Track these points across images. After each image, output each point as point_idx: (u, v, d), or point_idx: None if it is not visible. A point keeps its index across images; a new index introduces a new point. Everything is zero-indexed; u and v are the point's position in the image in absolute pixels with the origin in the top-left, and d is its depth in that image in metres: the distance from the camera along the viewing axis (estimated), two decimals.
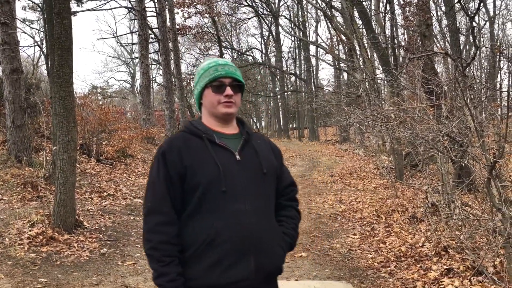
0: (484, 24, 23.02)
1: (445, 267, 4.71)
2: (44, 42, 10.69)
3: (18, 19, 10.21)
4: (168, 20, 21.74)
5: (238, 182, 1.85)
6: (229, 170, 1.85)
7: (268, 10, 35.22)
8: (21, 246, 5.74)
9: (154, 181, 1.85)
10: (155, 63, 32.59)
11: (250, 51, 41.43)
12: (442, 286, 4.28)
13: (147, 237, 1.84)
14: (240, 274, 1.81)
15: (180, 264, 1.81)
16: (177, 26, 24.33)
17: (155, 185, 1.85)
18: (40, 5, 14.66)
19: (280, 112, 41.61)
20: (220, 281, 1.79)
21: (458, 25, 15.97)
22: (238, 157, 1.89)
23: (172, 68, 21.59)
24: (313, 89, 34.60)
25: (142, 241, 1.88)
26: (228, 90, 1.89)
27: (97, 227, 7.09)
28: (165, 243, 1.80)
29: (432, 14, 16.30)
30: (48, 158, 8.98)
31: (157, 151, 1.89)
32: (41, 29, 11.06)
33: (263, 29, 40.61)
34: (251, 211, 1.85)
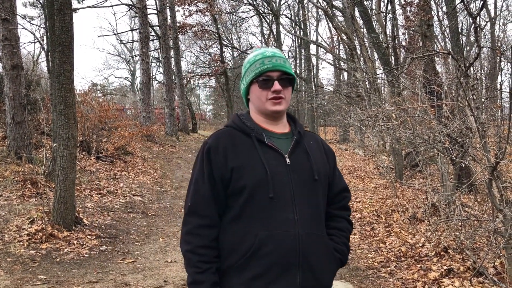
0: (485, 25, 23.01)
1: (445, 267, 4.70)
2: (44, 38, 10.65)
3: (18, 15, 10.18)
4: (169, 17, 21.72)
5: (287, 188, 1.70)
6: (278, 174, 1.69)
7: (269, 8, 35.18)
8: (21, 243, 5.73)
9: (198, 179, 1.73)
10: (155, 60, 32.59)
11: (250, 50, 41.37)
12: (442, 286, 4.28)
13: (186, 238, 1.71)
14: None
15: (217, 272, 1.70)
16: (178, 24, 24.31)
17: (199, 184, 1.72)
18: (41, 1, 14.63)
19: None
20: None
21: (459, 26, 15.98)
22: (288, 160, 1.73)
23: (172, 66, 21.60)
24: (313, 88, 34.59)
25: (180, 241, 1.76)
26: (276, 85, 1.73)
27: (96, 225, 7.08)
28: (204, 247, 1.68)
29: (433, 14, 16.27)
30: (48, 155, 8.97)
31: (201, 146, 1.76)
32: (42, 26, 11.04)
33: (264, 28, 40.60)
34: (300, 221, 1.69)
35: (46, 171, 8.56)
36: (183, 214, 1.78)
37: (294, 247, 1.67)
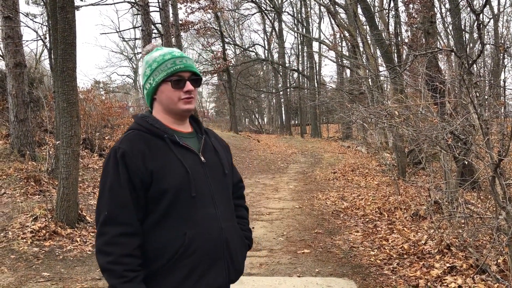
0: (488, 22, 22.92)
1: (448, 265, 4.70)
2: (47, 36, 10.66)
3: (21, 13, 10.20)
4: (171, 15, 21.70)
5: (206, 185, 1.75)
6: (197, 173, 1.72)
7: (271, 6, 35.13)
8: (24, 240, 5.76)
9: (113, 186, 1.62)
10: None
11: (253, 47, 41.36)
12: (445, 284, 4.27)
13: (105, 249, 1.59)
14: (215, 281, 1.73)
15: (144, 279, 1.63)
16: (180, 22, 24.28)
17: (115, 191, 1.62)
18: None
19: (283, 109, 41.58)
20: None
21: (462, 23, 15.91)
22: (202, 158, 1.78)
23: None
24: (316, 85, 34.57)
25: (96, 255, 1.62)
26: (189, 85, 1.73)
27: None
28: (128, 256, 1.59)
29: (436, 11, 16.24)
30: (51, 152, 9.00)
31: (112, 152, 1.66)
32: (44, 23, 11.04)
33: (266, 25, 40.58)
34: (221, 215, 1.77)
35: (49, 169, 8.58)
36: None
37: (220, 240, 1.74)
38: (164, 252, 1.65)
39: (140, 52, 18.19)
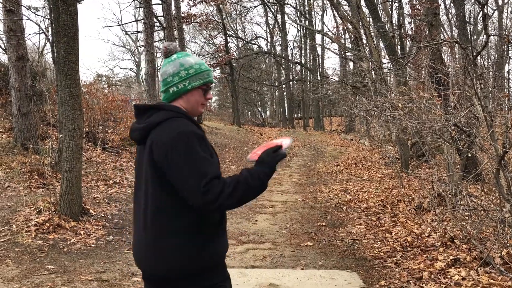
0: (493, 13, 22.76)
1: (451, 257, 4.69)
2: (49, 29, 10.64)
3: (23, 6, 10.16)
4: (173, 8, 21.64)
5: None
6: None
7: None
8: (28, 233, 5.78)
9: (206, 156, 1.82)
10: (160, 51, 32.49)
11: (255, 40, 41.22)
12: (449, 276, 4.27)
13: (228, 192, 1.77)
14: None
15: (216, 234, 1.94)
16: (182, 14, 24.22)
17: (208, 160, 1.82)
18: None
19: (285, 102, 41.49)
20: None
21: (466, 14, 15.79)
22: None
23: None
24: (319, 78, 34.46)
25: (228, 203, 1.78)
26: (210, 95, 2.09)
27: (103, 215, 7.12)
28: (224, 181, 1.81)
29: (439, 3, 16.11)
30: (54, 146, 9.01)
31: (189, 134, 1.84)
32: (47, 17, 11.01)
33: (269, 18, 40.37)
34: None
35: (53, 162, 8.60)
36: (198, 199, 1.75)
37: None
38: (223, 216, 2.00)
39: (143, 45, 18.13)
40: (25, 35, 9.91)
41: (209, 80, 2.04)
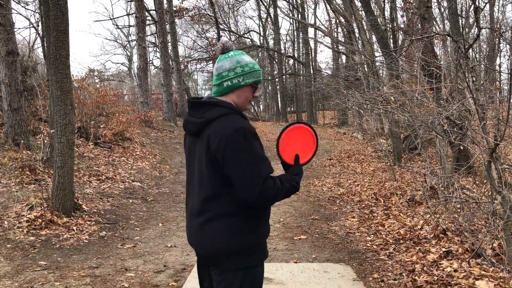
0: (485, 6, 22.81)
1: (444, 249, 4.73)
2: (40, 23, 10.53)
3: (13, 0, 10.04)
4: (165, 1, 21.49)
5: None
6: None
7: None
8: (20, 229, 5.74)
9: (262, 154, 2.02)
10: (152, 45, 32.31)
11: (248, 34, 41.10)
12: (441, 268, 4.30)
13: (279, 198, 2.04)
14: None
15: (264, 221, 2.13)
16: (174, 8, 24.06)
17: (264, 157, 2.02)
18: None
19: (278, 96, 41.45)
20: None
21: (458, 7, 15.81)
22: None
23: (169, 51, 21.42)
24: (312, 72, 34.42)
25: (273, 200, 2.03)
26: (258, 92, 2.25)
27: (96, 210, 7.09)
28: (277, 185, 2.03)
29: None
30: (46, 141, 8.94)
31: (247, 130, 2.00)
32: (37, 11, 10.91)
33: (261, 11, 40.23)
34: None
35: (44, 158, 8.54)
36: (257, 194, 1.94)
37: None
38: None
39: (135, 40, 18.08)
40: (15, 30, 9.80)
41: (260, 80, 2.19)
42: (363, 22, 16.78)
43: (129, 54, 45.37)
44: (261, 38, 41.37)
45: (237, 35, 39.41)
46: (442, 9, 21.31)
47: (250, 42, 39.33)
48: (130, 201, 8.22)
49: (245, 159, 1.96)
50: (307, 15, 38.51)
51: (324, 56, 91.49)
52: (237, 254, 2.03)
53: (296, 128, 2.21)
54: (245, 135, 1.97)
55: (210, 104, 2.09)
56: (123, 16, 44.26)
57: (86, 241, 5.79)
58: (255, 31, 43.40)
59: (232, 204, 2.02)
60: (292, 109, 42.41)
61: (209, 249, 2.06)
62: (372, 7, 16.52)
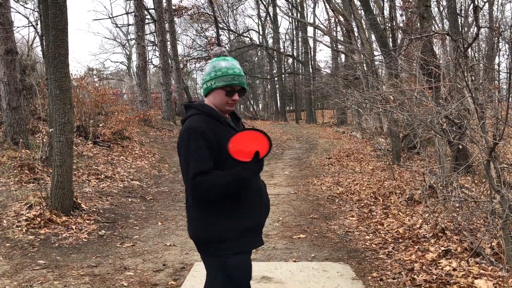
0: (484, 5, 22.82)
1: (442, 248, 4.73)
2: (38, 22, 10.52)
3: None
4: (164, 0, 21.46)
5: None
6: None
7: None
8: (19, 228, 5.74)
9: (198, 152, 2.15)
10: (151, 44, 32.30)
11: (247, 33, 41.09)
12: (440, 267, 4.30)
13: (205, 190, 2.13)
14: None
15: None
16: (174, 7, 24.03)
17: (198, 156, 2.15)
18: None
19: (277, 95, 41.48)
20: None
21: (457, 6, 15.81)
22: None
23: (168, 50, 21.40)
24: (311, 71, 34.43)
25: (202, 197, 2.16)
26: (236, 97, 2.33)
27: (95, 209, 7.09)
28: (209, 180, 2.15)
29: None
30: (44, 140, 8.93)
31: (191, 130, 2.18)
32: (36, 9, 10.89)
33: (261, 10, 40.24)
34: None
35: (43, 157, 8.53)
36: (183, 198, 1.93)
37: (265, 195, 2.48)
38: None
39: (134, 38, 18.09)
40: (14, 28, 9.79)
41: (232, 83, 2.29)
42: (362, 21, 16.79)
43: (128, 53, 45.35)
44: (260, 37, 41.39)
45: (236, 34, 39.42)
46: (441, 8, 21.32)
47: (249, 41, 39.33)
48: (129, 200, 8.22)
49: (182, 156, 2.22)
50: (306, 14, 38.53)
51: (323, 55, 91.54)
52: (207, 243, 2.25)
53: (244, 133, 2.24)
54: (189, 135, 2.18)
55: (188, 106, 2.37)
56: (122, 14, 44.24)
57: (85, 240, 5.79)
58: (254, 30, 43.48)
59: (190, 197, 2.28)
60: (291, 108, 42.44)
61: (189, 235, 2.34)
62: (371, 6, 16.52)
